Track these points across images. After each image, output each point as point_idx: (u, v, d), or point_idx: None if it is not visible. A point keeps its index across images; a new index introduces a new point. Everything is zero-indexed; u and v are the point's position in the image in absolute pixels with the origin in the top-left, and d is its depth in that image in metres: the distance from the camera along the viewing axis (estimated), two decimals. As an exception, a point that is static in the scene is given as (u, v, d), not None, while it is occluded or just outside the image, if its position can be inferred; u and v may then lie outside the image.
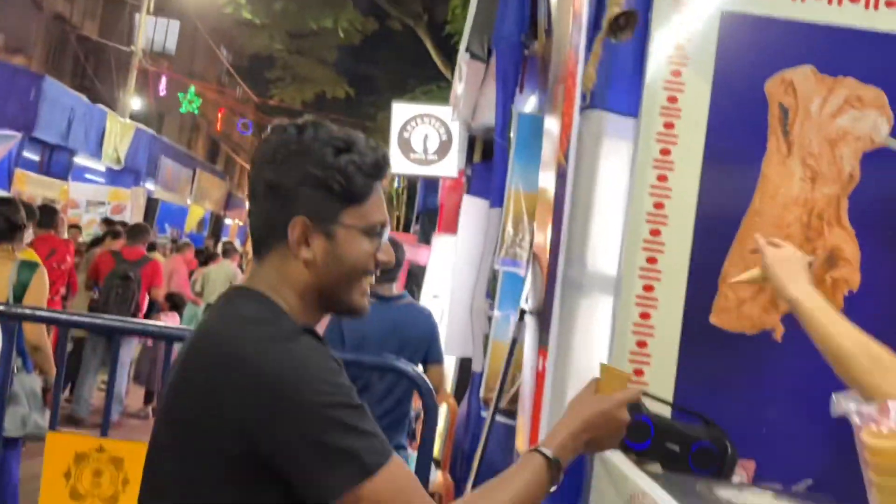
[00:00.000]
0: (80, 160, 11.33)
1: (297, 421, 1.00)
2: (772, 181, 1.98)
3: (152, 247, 8.14)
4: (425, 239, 8.29)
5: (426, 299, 5.76)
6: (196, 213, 16.24)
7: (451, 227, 5.27)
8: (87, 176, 12.38)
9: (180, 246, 9.45)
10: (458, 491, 2.66)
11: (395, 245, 2.96)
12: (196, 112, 21.38)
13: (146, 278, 6.00)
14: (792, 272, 1.65)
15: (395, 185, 20.78)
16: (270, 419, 1.00)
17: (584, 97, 2.00)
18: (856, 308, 1.99)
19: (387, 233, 1.17)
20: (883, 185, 1.94)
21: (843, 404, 0.72)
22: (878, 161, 1.97)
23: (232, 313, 1.11)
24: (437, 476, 4.23)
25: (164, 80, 18.30)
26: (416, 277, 7.30)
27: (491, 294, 4.21)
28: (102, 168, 12.16)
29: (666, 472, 1.75)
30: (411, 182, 17.09)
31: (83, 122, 10.10)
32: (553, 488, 1.18)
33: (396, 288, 3.04)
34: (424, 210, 9.96)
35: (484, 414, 3.25)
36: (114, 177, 12.37)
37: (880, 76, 2.00)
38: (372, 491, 0.99)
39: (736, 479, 1.84)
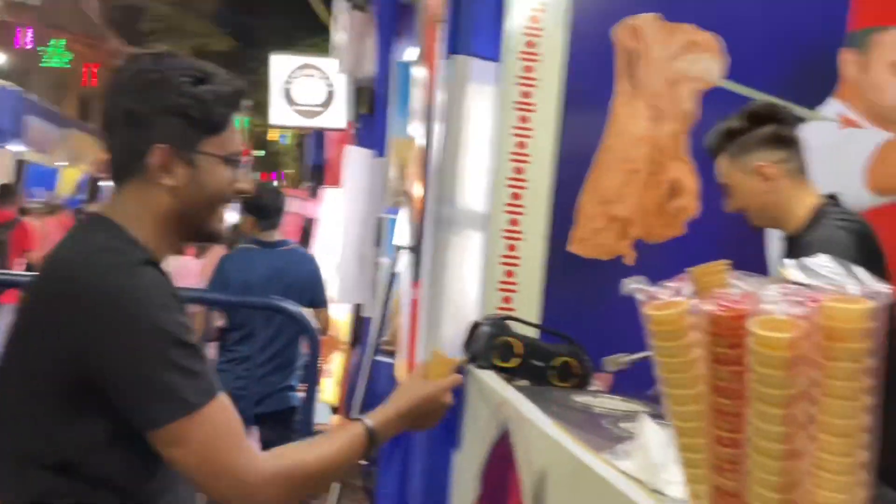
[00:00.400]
0: (-66, 121, 10.47)
1: (127, 351, 1.03)
2: (620, 120, 2.17)
3: (24, 212, 7.71)
4: (315, 194, 8.25)
5: (318, 252, 5.80)
6: (70, 176, 15.33)
7: (339, 180, 5.30)
8: (-57, 139, 11.47)
9: (53, 208, 9.00)
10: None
11: (274, 191, 3.00)
12: (66, 66, 20.01)
13: (17, 241, 5.72)
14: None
15: (281, 140, 20.35)
16: (103, 345, 1.03)
17: (448, 44, 2.11)
18: (696, 233, 2.23)
19: (243, 162, 1.21)
20: (718, 121, 2.15)
21: (629, 286, 0.87)
22: (713, 100, 2.19)
23: (81, 241, 1.13)
24: (332, 419, 4.36)
25: (30, 32, 16.97)
26: (309, 232, 7.30)
27: (378, 242, 4.32)
28: (-40, 129, 11.29)
29: (531, 385, 1.94)
30: (302, 139, 16.79)
31: (-65, 80, 9.30)
32: (367, 457, 1.24)
33: (279, 236, 3.09)
34: (315, 165, 9.87)
35: (377, 357, 3.39)
36: (-27, 138, 11.50)
37: (716, 22, 2.21)
38: (188, 428, 1.03)
39: (592, 388, 2.05)
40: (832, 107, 2.27)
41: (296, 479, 1.11)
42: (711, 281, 0.80)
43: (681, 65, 2.17)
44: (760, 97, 2.20)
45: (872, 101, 2.24)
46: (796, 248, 1.76)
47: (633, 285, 0.86)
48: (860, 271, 0.69)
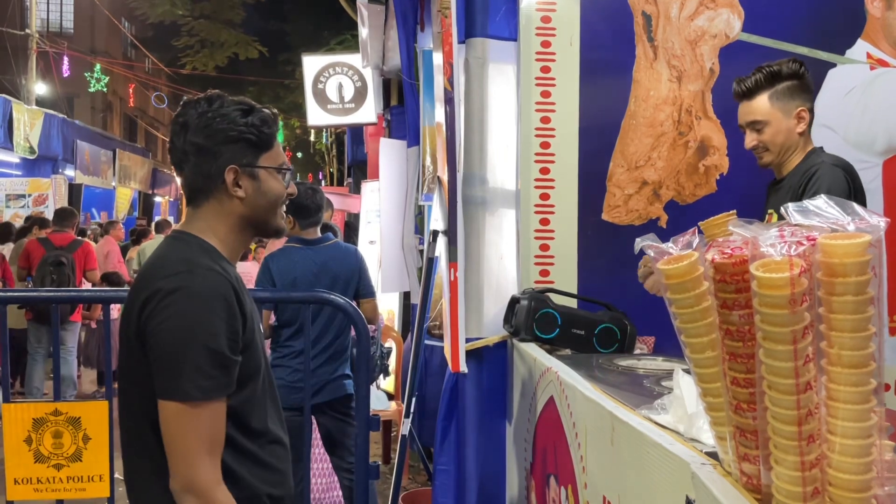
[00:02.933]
0: (-8, 154, 10.92)
1: (167, 332, 1.28)
2: (643, 85, 2.17)
3: (82, 233, 8.01)
4: (358, 189, 8.37)
5: (363, 246, 5.90)
6: (124, 196, 15.84)
7: (378, 173, 5.38)
8: (2, 170, 11.95)
9: (106, 226, 9.32)
10: (406, 416, 2.87)
11: (312, 190, 3.07)
12: (104, 90, 20.60)
13: (80, 261, 5.96)
14: None
15: (324, 140, 20.58)
16: (154, 324, 1.29)
17: (464, 27, 2.14)
18: (728, 189, 2.23)
19: (289, 172, 1.48)
20: (741, 76, 2.15)
21: (641, 244, 0.91)
22: (734, 54, 2.18)
23: (163, 251, 1.41)
24: (391, 405, 4.46)
25: (66, 60, 17.52)
26: (353, 227, 7.42)
27: (419, 229, 4.39)
28: (16, 160, 11.74)
29: (574, 353, 1.98)
30: (339, 136, 16.96)
31: (-13, 115, 9.71)
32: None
33: (320, 233, 3.16)
34: (354, 161, 9.99)
35: (426, 342, 3.46)
36: (30, 167, 11.96)
37: (731, -24, 2.19)
38: (172, 410, 1.27)
39: (636, 352, 2.08)
40: (860, 48, 2.23)
41: None
42: (717, 232, 0.83)
43: (699, 23, 2.16)
44: (784, 48, 2.18)
45: (901, 38, 2.20)
46: (782, 190, 1.90)
47: (644, 242, 0.90)
48: (855, 206, 0.72)
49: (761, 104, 1.89)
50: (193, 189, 1.43)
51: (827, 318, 0.72)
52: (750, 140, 1.92)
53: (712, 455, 0.94)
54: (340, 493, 3.26)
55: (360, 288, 3.05)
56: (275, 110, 1.49)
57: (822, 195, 0.75)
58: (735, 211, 0.88)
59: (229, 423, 1.33)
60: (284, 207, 1.49)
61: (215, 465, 1.29)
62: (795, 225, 0.73)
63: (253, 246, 7.69)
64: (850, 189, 1.77)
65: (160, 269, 1.34)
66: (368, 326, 2.22)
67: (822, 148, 1.94)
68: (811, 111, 1.93)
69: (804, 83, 1.92)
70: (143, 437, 1.33)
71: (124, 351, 1.37)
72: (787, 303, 0.71)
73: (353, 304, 2.27)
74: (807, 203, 0.75)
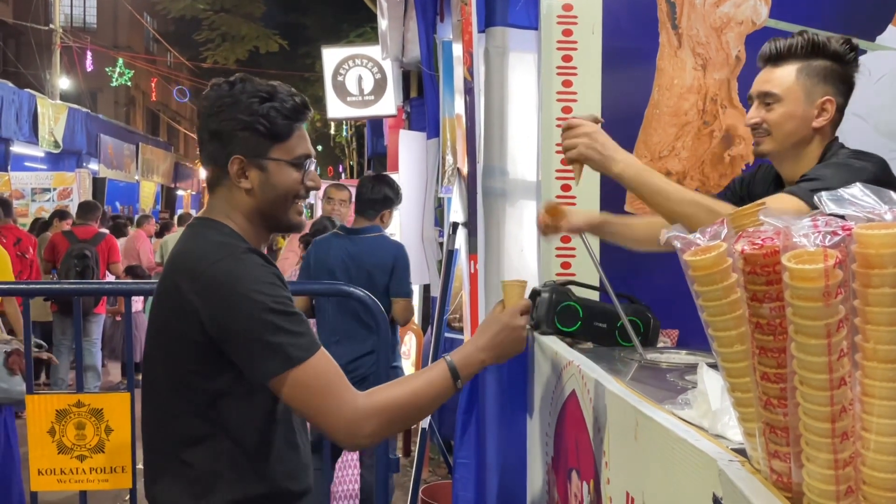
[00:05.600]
0: (17, 149, 11.06)
1: (240, 321, 1.25)
2: (667, 73, 2.13)
3: (118, 227, 8.11)
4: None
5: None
6: (148, 189, 16.00)
7: (398, 165, 5.37)
8: (27, 164, 12.09)
9: (139, 220, 9.44)
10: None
11: (376, 180, 3.10)
12: (128, 84, 20.79)
13: (103, 254, 6.02)
14: (604, 147, 1.61)
15: (344, 133, 20.62)
16: (220, 315, 1.26)
17: (484, 16, 2.12)
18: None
19: (312, 163, 1.42)
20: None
21: (666, 235, 0.88)
22: (760, 41, 2.13)
23: (195, 238, 1.38)
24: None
25: (89, 54, 17.70)
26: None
27: (439, 221, 4.37)
28: (41, 154, 11.90)
29: (596, 347, 1.95)
30: (359, 129, 16.97)
31: (13, 109, 9.83)
32: (458, 385, 1.38)
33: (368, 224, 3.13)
34: (374, 154, 9.99)
35: (447, 335, 3.45)
36: (55, 161, 12.11)
37: (758, -39, 2.14)
38: (294, 378, 1.25)
39: (660, 345, 2.05)
40: (891, 34, 2.17)
41: (391, 412, 1.30)
42: (747, 223, 0.81)
43: (725, 9, 2.12)
44: (812, 33, 2.12)
45: (934, 24, 2.14)
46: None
47: (670, 233, 0.87)
48: (892, 194, 0.69)
49: (785, 75, 1.57)
50: (209, 175, 1.41)
51: (862, 312, 0.69)
52: (753, 115, 1.61)
53: (740, 452, 0.91)
54: (358, 484, 3.26)
55: (392, 285, 3.03)
56: (303, 98, 1.42)
57: (858, 184, 0.72)
58: (764, 200, 0.85)
59: (251, 417, 1.32)
60: (303, 202, 1.44)
61: (353, 391, 1.28)
62: (829, 214, 0.70)
63: None
64: (887, 178, 1.54)
65: (202, 258, 1.30)
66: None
67: (836, 143, 1.64)
68: (840, 109, 1.61)
69: (846, 71, 1.59)
70: (170, 413, 1.32)
71: (156, 339, 1.35)
72: (820, 295, 0.68)
73: (374, 297, 2.26)
74: (841, 191, 0.72)
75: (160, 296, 1.35)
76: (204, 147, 1.39)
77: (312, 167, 1.42)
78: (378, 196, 3.10)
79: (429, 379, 1.35)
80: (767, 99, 1.60)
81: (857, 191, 0.71)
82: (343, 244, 3.03)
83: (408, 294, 3.05)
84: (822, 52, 1.57)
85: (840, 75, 1.59)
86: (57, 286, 4.45)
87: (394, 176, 5.70)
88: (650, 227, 1.73)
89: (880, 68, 2.16)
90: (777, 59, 1.60)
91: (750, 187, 1.82)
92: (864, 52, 2.19)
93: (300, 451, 1.41)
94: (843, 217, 0.69)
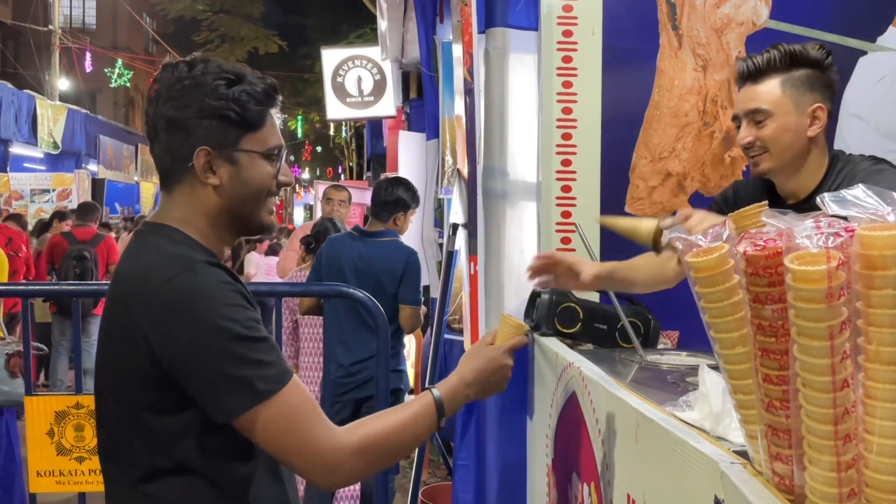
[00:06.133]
0: (16, 150, 11.07)
1: (198, 351, 1.08)
2: (667, 74, 2.13)
3: (105, 227, 8.09)
4: (377, 183, 8.37)
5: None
6: (148, 190, 16.02)
7: (397, 166, 5.37)
8: (26, 165, 12.10)
9: (137, 221, 9.44)
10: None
11: (393, 183, 3.10)
12: (127, 85, 20.80)
13: (102, 256, 6.02)
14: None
15: (343, 134, 20.63)
16: (177, 346, 1.08)
17: (484, 17, 2.12)
18: (755, 181, 2.18)
19: (284, 156, 1.22)
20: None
21: (669, 236, 0.88)
22: (761, 42, 2.13)
23: (145, 249, 1.17)
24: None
25: (88, 55, 17.69)
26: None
27: (439, 223, 4.37)
28: (40, 155, 11.91)
29: (596, 348, 1.95)
30: (359, 130, 16.98)
31: (12, 110, 9.85)
32: (441, 424, 1.25)
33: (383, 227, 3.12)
34: (374, 155, 10.00)
35: (446, 336, 3.44)
36: (53, 162, 12.12)
37: (758, -38, 2.14)
38: (263, 415, 1.08)
39: (660, 346, 2.04)
40: (891, 35, 2.17)
41: (373, 449, 1.15)
42: (748, 224, 0.80)
43: (725, 10, 2.11)
44: (813, 35, 2.12)
45: (934, 24, 2.13)
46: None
47: (672, 234, 0.87)
48: (893, 195, 0.68)
49: (769, 89, 1.54)
50: (163, 170, 1.19)
51: (865, 313, 0.69)
52: (745, 135, 1.57)
53: (742, 454, 0.91)
54: (358, 486, 3.26)
55: (400, 292, 3.00)
56: (273, 81, 1.22)
57: (860, 185, 0.72)
58: (766, 201, 0.85)
59: (223, 451, 1.15)
60: (275, 199, 1.24)
61: (330, 426, 1.12)
62: (832, 216, 0.70)
63: None
64: None
65: (152, 275, 1.11)
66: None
67: (842, 152, 1.63)
68: (830, 113, 1.58)
69: (827, 76, 1.57)
70: (125, 449, 1.15)
71: (103, 372, 1.17)
72: (823, 297, 0.68)
73: (374, 300, 2.24)
74: (844, 193, 0.72)
75: (105, 321, 1.17)
76: (157, 138, 1.17)
77: (283, 160, 1.23)
78: (391, 198, 3.07)
79: (412, 414, 1.21)
80: (758, 116, 1.56)
81: (859, 192, 0.71)
82: (356, 246, 3.03)
83: (415, 302, 2.99)
84: (801, 61, 1.55)
85: (823, 81, 1.57)
86: (56, 287, 4.45)
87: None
88: (653, 267, 1.72)
89: (880, 69, 2.16)
90: (756, 75, 1.57)
91: (736, 207, 1.77)
92: (864, 53, 2.19)
93: (285, 484, 1.25)
94: (845, 218, 0.69)
